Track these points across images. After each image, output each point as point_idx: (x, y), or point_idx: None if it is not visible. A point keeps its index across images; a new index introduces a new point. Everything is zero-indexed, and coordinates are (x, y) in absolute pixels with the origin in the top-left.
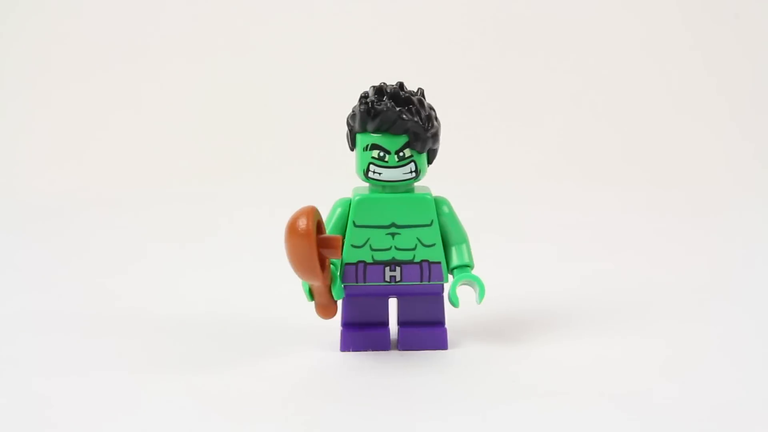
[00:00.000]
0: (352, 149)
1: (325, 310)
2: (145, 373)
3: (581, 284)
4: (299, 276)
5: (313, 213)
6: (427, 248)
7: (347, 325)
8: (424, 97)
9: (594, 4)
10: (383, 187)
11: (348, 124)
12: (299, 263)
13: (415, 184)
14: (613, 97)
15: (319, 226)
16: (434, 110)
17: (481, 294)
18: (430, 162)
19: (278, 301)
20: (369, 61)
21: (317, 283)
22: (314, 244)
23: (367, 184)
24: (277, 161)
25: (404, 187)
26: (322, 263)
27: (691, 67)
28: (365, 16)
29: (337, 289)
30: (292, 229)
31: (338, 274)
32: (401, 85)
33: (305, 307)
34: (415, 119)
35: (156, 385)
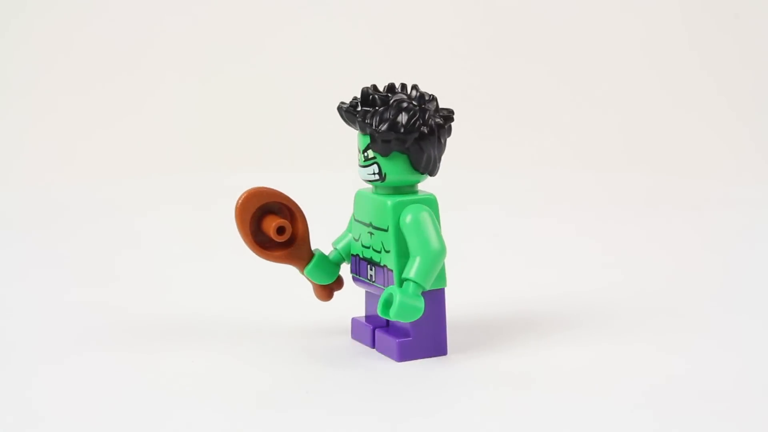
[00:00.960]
0: None
1: (318, 291)
2: (144, 353)
3: (582, 283)
4: None
5: (251, 193)
6: (387, 254)
7: (368, 317)
8: (425, 103)
9: (596, 4)
10: (378, 186)
11: None
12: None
13: (421, 186)
14: (613, 97)
15: (290, 211)
16: (425, 118)
17: (394, 312)
18: (419, 168)
19: (290, 290)
20: (389, 50)
21: (259, 257)
22: (244, 220)
23: None
24: (289, 153)
25: (404, 189)
26: (266, 241)
27: (692, 65)
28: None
29: (313, 272)
30: (236, 204)
31: (322, 258)
32: (391, 87)
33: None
34: (366, 121)
35: (158, 369)
